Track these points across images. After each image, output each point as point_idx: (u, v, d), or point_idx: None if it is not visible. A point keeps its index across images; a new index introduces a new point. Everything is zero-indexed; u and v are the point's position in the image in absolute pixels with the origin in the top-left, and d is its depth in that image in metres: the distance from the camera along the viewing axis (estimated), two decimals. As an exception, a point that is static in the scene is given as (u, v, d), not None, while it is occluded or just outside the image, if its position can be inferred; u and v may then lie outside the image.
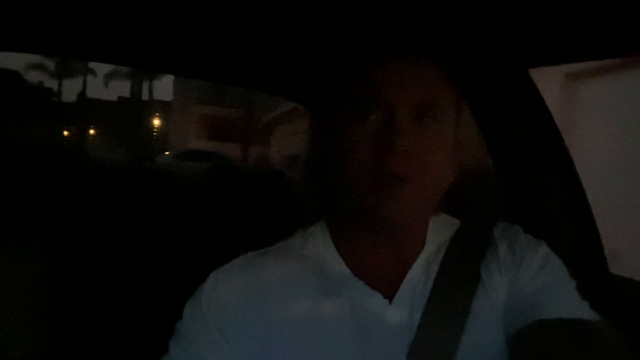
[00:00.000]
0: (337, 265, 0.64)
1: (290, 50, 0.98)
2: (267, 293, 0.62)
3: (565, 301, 0.60)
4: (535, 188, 0.93)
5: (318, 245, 0.66)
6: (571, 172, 0.93)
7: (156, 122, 32.33)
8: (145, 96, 29.18)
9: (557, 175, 0.93)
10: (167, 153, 15.72)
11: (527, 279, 0.62)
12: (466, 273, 0.63)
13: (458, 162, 0.64)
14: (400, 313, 0.61)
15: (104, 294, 1.14)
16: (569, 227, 0.92)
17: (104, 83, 28.07)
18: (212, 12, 0.82)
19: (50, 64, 25.95)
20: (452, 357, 0.58)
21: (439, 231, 0.68)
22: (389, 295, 0.62)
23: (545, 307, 0.58)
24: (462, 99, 0.64)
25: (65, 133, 24.39)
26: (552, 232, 0.91)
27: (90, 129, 30.87)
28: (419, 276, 0.64)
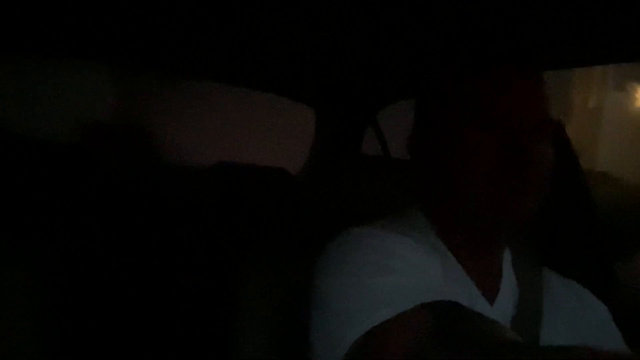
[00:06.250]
0: (448, 256, 0.64)
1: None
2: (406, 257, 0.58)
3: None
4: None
5: (423, 232, 0.65)
6: (580, 180, 0.93)
7: None
8: None
9: (566, 183, 0.92)
10: None
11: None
12: (534, 279, 0.68)
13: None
14: (498, 319, 0.60)
15: (106, 298, 1.12)
16: (578, 236, 0.92)
17: None
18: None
19: None
20: None
21: None
22: (489, 299, 0.64)
23: None
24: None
25: None
26: (560, 241, 0.91)
27: None
28: (510, 282, 0.67)
